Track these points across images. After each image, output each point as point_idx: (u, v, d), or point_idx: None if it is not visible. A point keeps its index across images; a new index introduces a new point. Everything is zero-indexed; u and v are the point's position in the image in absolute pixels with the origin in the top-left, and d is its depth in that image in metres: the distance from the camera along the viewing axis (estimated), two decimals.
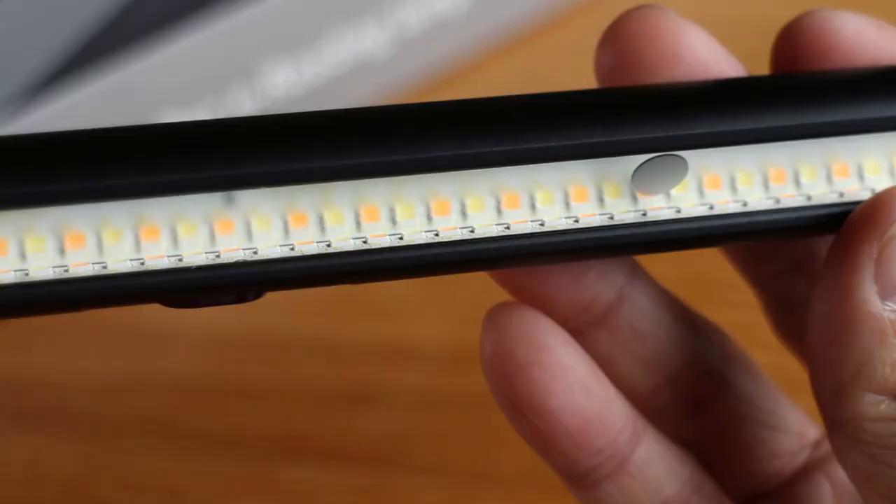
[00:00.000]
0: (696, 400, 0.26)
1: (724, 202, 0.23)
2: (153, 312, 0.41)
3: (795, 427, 0.27)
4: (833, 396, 0.23)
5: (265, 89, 0.43)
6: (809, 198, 0.23)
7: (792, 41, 0.24)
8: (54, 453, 0.37)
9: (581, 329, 0.25)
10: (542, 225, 0.22)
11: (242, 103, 0.43)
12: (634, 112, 0.22)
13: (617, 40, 0.24)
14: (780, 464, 0.27)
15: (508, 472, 0.35)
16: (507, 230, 0.21)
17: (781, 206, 0.23)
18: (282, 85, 0.43)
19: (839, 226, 0.23)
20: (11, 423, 0.38)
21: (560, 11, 0.48)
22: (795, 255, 0.26)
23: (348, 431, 0.37)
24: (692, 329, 0.26)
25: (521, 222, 0.22)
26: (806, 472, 0.27)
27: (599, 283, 0.25)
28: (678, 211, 0.22)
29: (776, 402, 0.27)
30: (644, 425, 0.25)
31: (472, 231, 0.21)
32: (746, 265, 0.27)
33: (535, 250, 0.22)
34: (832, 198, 0.23)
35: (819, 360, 0.23)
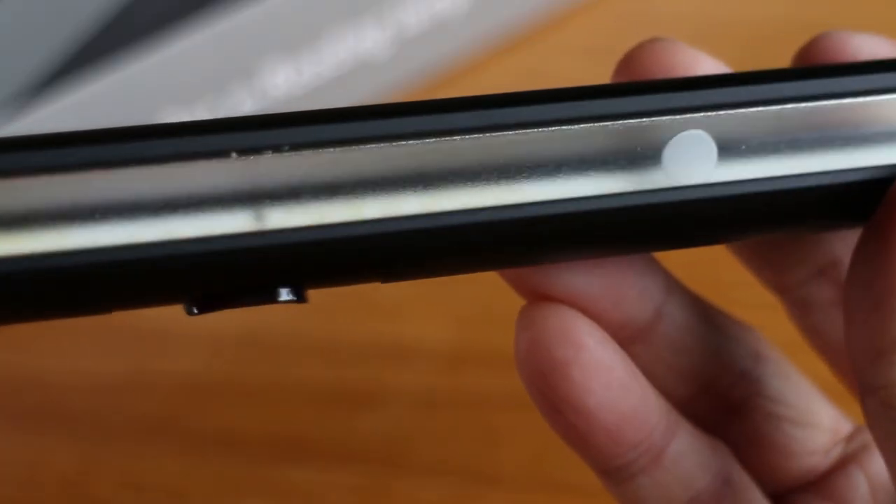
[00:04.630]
0: (730, 403, 0.26)
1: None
2: (153, 312, 0.41)
3: (828, 423, 0.27)
4: (870, 361, 0.22)
5: (265, 89, 0.43)
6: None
7: (808, 62, 0.24)
8: (54, 453, 0.37)
9: (620, 345, 0.25)
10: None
11: (242, 103, 0.43)
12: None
13: (632, 74, 0.24)
14: (814, 460, 0.27)
15: (508, 472, 0.35)
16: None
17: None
18: (282, 85, 0.43)
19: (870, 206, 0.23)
20: (11, 423, 0.38)
21: (560, 11, 0.48)
22: (818, 263, 0.26)
23: (348, 431, 0.37)
24: (724, 334, 0.26)
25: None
26: (841, 466, 0.27)
27: (639, 302, 0.25)
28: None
29: (809, 399, 0.27)
30: (678, 418, 0.25)
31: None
32: (768, 275, 0.27)
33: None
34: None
35: (858, 324, 0.23)
